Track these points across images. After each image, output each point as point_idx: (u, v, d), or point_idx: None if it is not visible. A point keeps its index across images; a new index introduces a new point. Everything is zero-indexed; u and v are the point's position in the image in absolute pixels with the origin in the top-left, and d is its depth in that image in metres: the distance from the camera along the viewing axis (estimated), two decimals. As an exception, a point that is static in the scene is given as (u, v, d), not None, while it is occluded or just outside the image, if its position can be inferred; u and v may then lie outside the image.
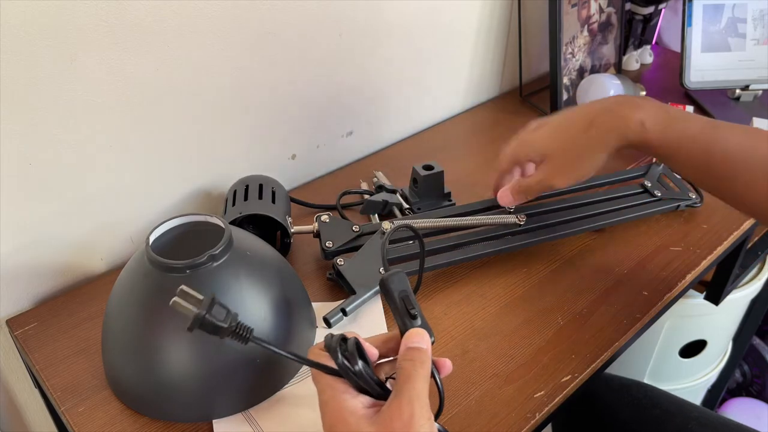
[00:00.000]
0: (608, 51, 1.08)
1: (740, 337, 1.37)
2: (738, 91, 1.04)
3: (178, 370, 0.53)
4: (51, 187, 0.65)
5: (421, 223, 0.71)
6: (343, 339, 0.44)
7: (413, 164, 0.79)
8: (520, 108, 1.06)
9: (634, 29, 1.14)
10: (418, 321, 0.47)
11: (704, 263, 0.72)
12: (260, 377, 0.55)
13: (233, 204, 0.70)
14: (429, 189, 0.79)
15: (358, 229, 0.69)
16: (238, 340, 0.46)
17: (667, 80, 1.14)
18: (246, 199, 0.70)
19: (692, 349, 1.21)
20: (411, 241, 0.70)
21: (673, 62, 1.14)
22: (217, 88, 0.72)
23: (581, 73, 1.03)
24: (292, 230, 0.70)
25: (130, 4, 0.61)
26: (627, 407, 0.75)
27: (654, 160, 0.84)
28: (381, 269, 0.65)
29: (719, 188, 0.59)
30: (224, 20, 0.69)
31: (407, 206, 0.79)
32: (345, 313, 0.62)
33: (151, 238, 0.55)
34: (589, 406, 0.78)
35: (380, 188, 0.82)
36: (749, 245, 0.98)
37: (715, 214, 0.78)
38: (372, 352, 0.46)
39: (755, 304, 1.27)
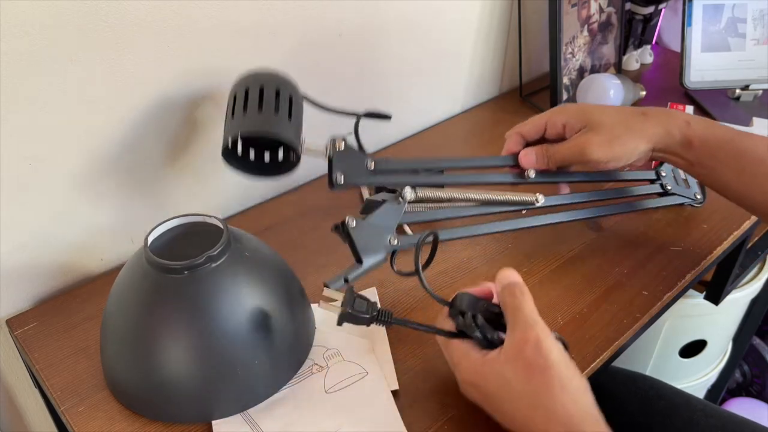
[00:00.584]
0: (608, 51, 1.08)
1: (740, 337, 1.37)
2: (738, 91, 1.04)
3: (176, 371, 0.53)
4: (51, 187, 0.65)
5: (440, 194, 0.65)
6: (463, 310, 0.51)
7: (413, 164, 0.79)
8: (520, 108, 1.06)
9: (634, 29, 1.14)
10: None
11: (704, 263, 0.72)
12: (259, 378, 0.55)
13: (232, 116, 0.61)
14: (429, 189, 0.78)
15: (373, 167, 0.64)
16: (381, 325, 0.53)
17: (667, 80, 1.14)
18: (245, 109, 0.60)
19: (692, 349, 1.21)
20: (426, 205, 0.66)
21: (673, 62, 1.14)
22: (216, 89, 0.72)
23: (581, 73, 1.03)
24: (303, 149, 0.64)
25: (129, 4, 0.61)
26: (633, 399, 0.75)
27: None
28: (392, 239, 0.60)
29: (750, 193, 0.61)
30: (223, 19, 0.69)
31: (407, 206, 0.79)
32: (347, 281, 0.57)
33: (150, 239, 0.55)
34: (595, 397, 0.78)
35: (380, 188, 0.81)
36: (749, 245, 0.98)
37: (715, 214, 0.78)
38: None
39: (755, 304, 1.26)
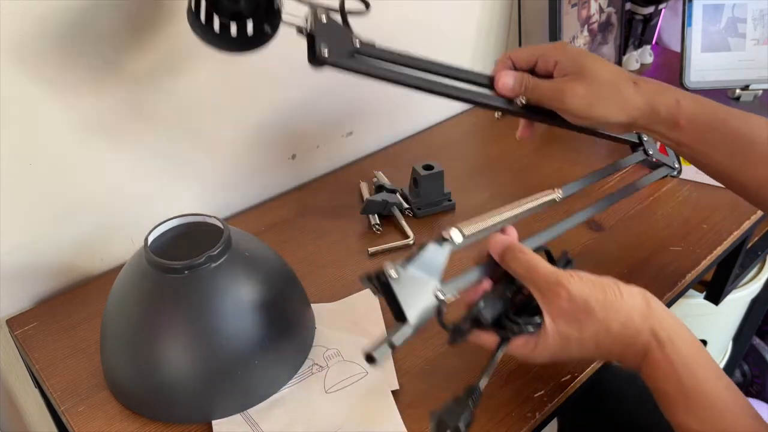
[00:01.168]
0: (608, 51, 1.08)
1: (740, 337, 1.37)
2: (738, 91, 1.04)
3: (176, 371, 0.53)
4: (51, 187, 0.65)
5: (486, 223, 0.55)
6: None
7: (413, 164, 0.79)
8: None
9: (634, 29, 1.14)
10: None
11: (704, 263, 0.72)
12: (259, 378, 0.55)
13: None
14: (429, 189, 0.79)
15: (359, 45, 0.58)
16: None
17: (667, 80, 1.11)
18: None
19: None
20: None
21: (673, 62, 1.14)
22: (215, 89, 0.72)
23: (581, 73, 1.03)
24: (282, 14, 0.56)
25: (130, 5, 0.61)
26: (633, 396, 0.75)
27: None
28: (438, 289, 0.50)
29: (741, 177, 0.58)
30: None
31: (407, 206, 0.79)
32: (393, 347, 0.47)
33: (150, 239, 0.55)
34: (596, 394, 0.78)
35: (380, 188, 0.82)
36: (749, 245, 0.98)
37: (715, 214, 0.78)
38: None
39: (755, 304, 1.26)
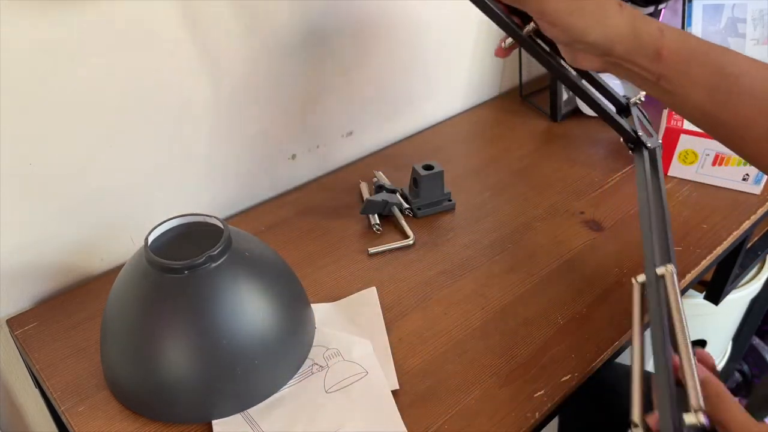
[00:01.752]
0: (608, 51, 1.08)
1: (740, 337, 1.37)
2: (738, 90, 1.04)
3: (177, 371, 0.53)
4: (51, 187, 0.65)
5: None
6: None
7: (413, 164, 0.79)
8: (520, 108, 1.06)
9: (634, 29, 1.14)
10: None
11: (704, 263, 0.72)
12: (259, 378, 0.55)
13: None
14: (429, 189, 0.79)
15: None
16: None
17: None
18: None
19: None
20: None
21: (673, 62, 1.14)
22: (215, 89, 0.72)
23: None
24: None
25: (129, 5, 0.61)
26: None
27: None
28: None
29: (722, 115, 0.54)
30: (225, 20, 0.69)
31: (407, 206, 0.79)
32: None
33: (150, 239, 0.55)
34: (595, 390, 0.78)
35: (380, 188, 0.82)
36: (749, 245, 0.98)
37: (714, 214, 0.78)
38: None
39: (755, 304, 1.27)
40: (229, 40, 0.71)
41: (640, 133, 0.67)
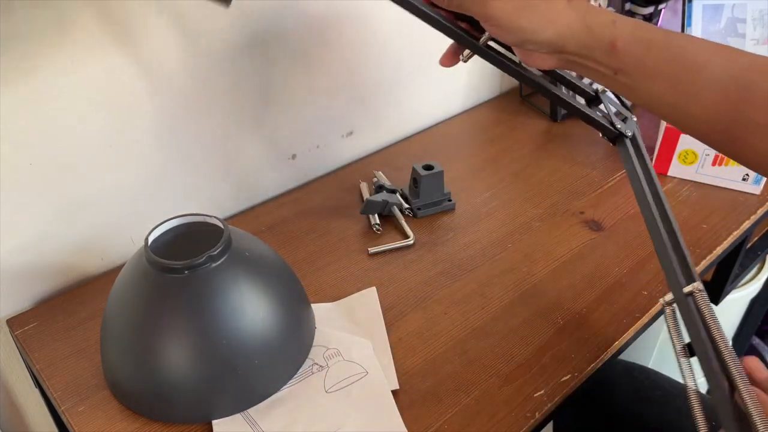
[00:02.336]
0: (608, 51, 1.08)
1: (740, 337, 1.37)
2: (738, 90, 1.04)
3: (177, 371, 0.53)
4: (51, 187, 0.65)
5: None
6: None
7: (413, 164, 0.79)
8: (520, 108, 1.06)
9: (633, 29, 1.14)
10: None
11: (704, 263, 0.72)
12: (259, 378, 0.55)
13: None
14: (429, 189, 0.79)
15: None
16: None
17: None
18: None
19: (692, 348, 1.21)
20: None
21: (673, 62, 1.14)
22: (215, 89, 0.72)
23: (581, 73, 1.03)
24: None
25: (129, 4, 0.61)
26: (629, 388, 0.75)
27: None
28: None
29: (685, 104, 0.51)
30: (224, 20, 0.69)
31: (407, 206, 0.79)
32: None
33: (150, 239, 0.55)
34: (592, 385, 0.78)
35: (380, 188, 0.82)
36: (749, 245, 0.98)
37: (714, 214, 0.78)
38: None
39: (755, 303, 1.27)
40: (228, 42, 0.71)
41: (618, 125, 0.63)
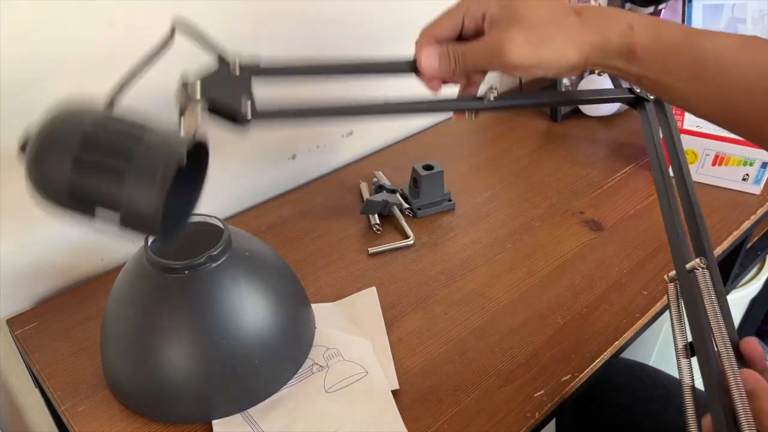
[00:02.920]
0: (608, 51, 1.08)
1: (740, 337, 1.37)
2: (738, 90, 1.04)
3: (177, 371, 0.53)
4: (51, 188, 0.65)
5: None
6: None
7: (413, 164, 0.79)
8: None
9: (634, 29, 1.14)
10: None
11: (704, 263, 0.72)
12: (259, 378, 0.55)
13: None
14: (429, 189, 0.79)
15: (238, 72, 0.48)
16: None
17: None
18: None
19: (692, 348, 1.21)
20: None
21: (673, 62, 1.14)
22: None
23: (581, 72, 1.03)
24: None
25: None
26: (630, 386, 0.75)
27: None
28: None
29: (710, 102, 0.50)
30: (222, 21, 0.69)
31: (407, 206, 0.79)
32: None
33: (150, 239, 0.55)
34: (593, 383, 0.78)
35: (380, 188, 0.82)
36: (749, 245, 0.98)
37: (714, 214, 0.78)
38: None
39: (755, 303, 1.27)
40: (228, 39, 0.71)
41: (637, 89, 0.60)
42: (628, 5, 1.10)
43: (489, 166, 0.90)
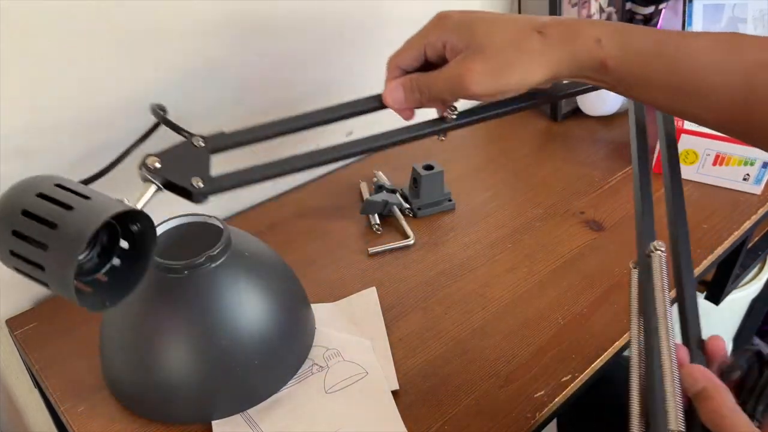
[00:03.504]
0: (608, 51, 1.08)
1: (740, 337, 1.37)
2: (738, 90, 1.04)
3: (176, 371, 0.53)
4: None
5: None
6: None
7: (413, 164, 0.79)
8: (520, 108, 1.06)
9: (634, 29, 1.14)
10: None
11: (704, 263, 0.72)
12: (259, 378, 0.55)
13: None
14: (429, 189, 0.79)
15: (203, 143, 0.50)
16: None
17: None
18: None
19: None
20: None
21: (674, 62, 1.14)
22: (215, 89, 0.72)
23: (581, 72, 1.03)
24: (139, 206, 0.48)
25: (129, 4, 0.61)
26: (625, 379, 0.75)
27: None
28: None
29: (691, 106, 0.49)
30: (220, 21, 0.69)
31: (407, 206, 0.79)
32: None
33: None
34: (596, 381, 0.78)
35: (380, 188, 0.82)
36: (749, 245, 0.98)
37: (715, 214, 0.78)
38: None
39: (756, 304, 1.26)
40: (229, 42, 0.71)
41: None
42: (628, 5, 1.10)
43: (489, 166, 0.90)
